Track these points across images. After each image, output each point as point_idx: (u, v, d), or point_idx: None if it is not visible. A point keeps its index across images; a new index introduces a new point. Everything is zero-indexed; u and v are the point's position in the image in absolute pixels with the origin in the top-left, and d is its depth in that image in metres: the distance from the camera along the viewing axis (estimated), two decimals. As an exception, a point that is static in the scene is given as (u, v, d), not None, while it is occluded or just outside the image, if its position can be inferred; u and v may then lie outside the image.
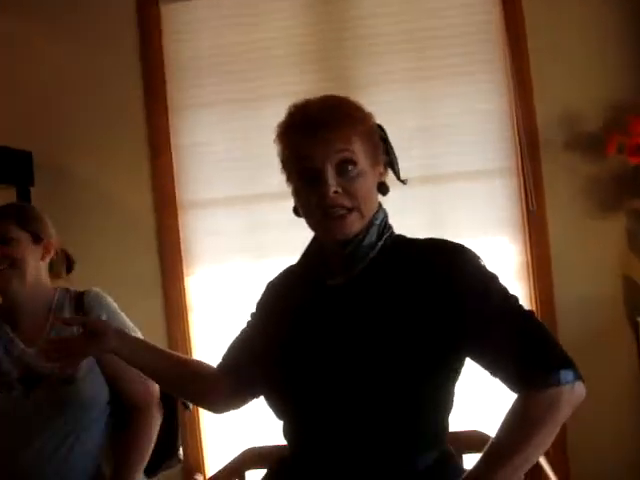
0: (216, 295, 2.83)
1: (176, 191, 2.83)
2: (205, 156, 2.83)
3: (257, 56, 2.79)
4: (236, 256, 2.80)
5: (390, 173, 1.40)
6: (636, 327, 2.67)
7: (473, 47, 2.71)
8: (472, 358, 1.28)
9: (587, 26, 2.69)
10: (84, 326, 1.44)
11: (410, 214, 2.67)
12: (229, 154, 2.81)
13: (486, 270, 1.31)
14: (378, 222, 1.35)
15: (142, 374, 1.53)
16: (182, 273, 2.83)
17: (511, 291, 1.30)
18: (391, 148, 1.40)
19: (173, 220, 2.83)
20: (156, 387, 1.82)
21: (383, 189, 1.38)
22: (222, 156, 2.80)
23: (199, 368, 1.54)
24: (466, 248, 1.33)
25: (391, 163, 1.41)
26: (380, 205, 1.38)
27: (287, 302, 1.44)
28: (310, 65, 2.75)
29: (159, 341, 2.72)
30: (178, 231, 2.83)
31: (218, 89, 2.81)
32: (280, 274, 1.54)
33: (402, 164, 2.66)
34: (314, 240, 1.42)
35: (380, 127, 1.40)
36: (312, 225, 1.36)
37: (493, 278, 1.30)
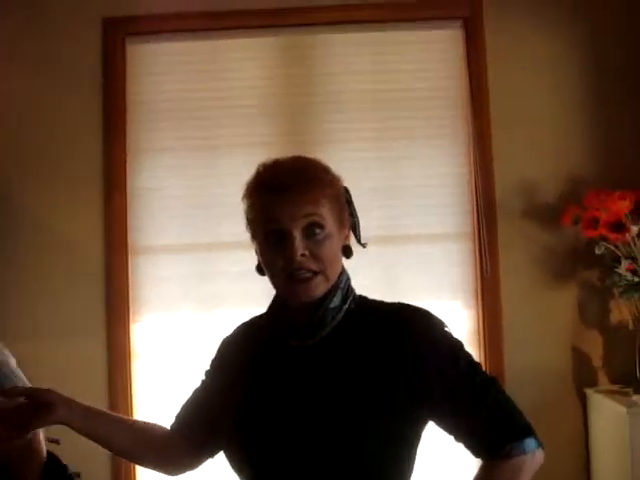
0: (162, 343, 2.75)
1: (128, 234, 2.76)
2: (160, 201, 2.77)
3: (219, 104, 2.76)
4: (185, 305, 2.74)
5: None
6: (584, 399, 2.67)
7: (437, 111, 2.73)
8: (436, 423, 1.30)
9: (549, 98, 2.74)
10: (27, 396, 1.32)
11: (365, 273, 2.62)
12: (183, 201, 2.76)
13: (451, 336, 1.33)
14: (342, 285, 1.36)
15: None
16: (128, 319, 2.74)
17: (475, 358, 1.33)
18: (354, 210, 1.40)
19: (123, 264, 2.75)
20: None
21: (348, 252, 1.38)
22: (176, 202, 2.76)
23: (153, 431, 1.48)
24: (431, 313, 1.35)
25: (354, 225, 1.41)
26: (343, 267, 1.38)
27: (247, 360, 1.42)
28: (271, 118, 2.74)
29: (99, 386, 2.69)
30: (127, 275, 2.75)
31: (177, 134, 2.77)
32: (236, 330, 1.51)
33: (361, 223, 2.68)
34: (277, 297, 1.41)
35: (346, 190, 1.40)
36: (276, 286, 1.35)
37: (458, 344, 1.33)
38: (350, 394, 1.26)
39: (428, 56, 2.76)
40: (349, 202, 1.40)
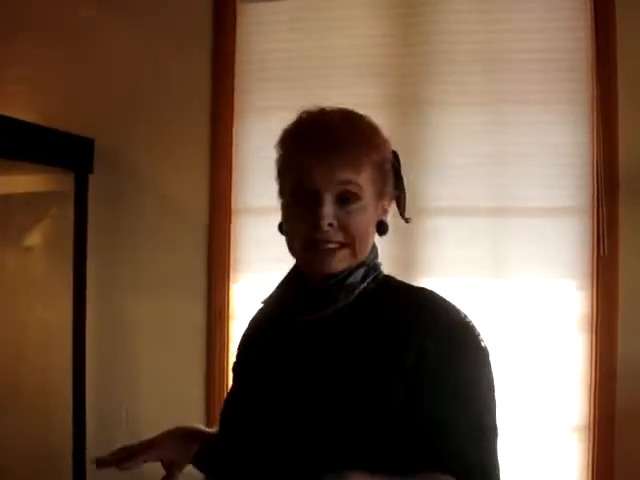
0: (259, 302, 2.73)
1: (232, 195, 2.76)
2: (265, 162, 2.73)
3: (327, 64, 2.67)
4: (284, 266, 2.70)
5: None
6: None
7: (556, 74, 2.48)
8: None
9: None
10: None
11: (470, 245, 2.51)
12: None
13: (479, 354, 1.14)
14: (368, 262, 1.23)
15: None
16: (229, 280, 2.75)
17: (495, 395, 1.14)
18: (402, 182, 1.27)
19: (226, 225, 2.75)
20: None
21: (382, 229, 1.25)
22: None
23: None
24: (463, 319, 1.16)
25: (399, 198, 1.28)
26: (374, 244, 1.26)
27: (255, 340, 1.36)
28: (380, 78, 2.61)
29: (197, 346, 2.72)
30: (230, 237, 2.75)
31: (285, 94, 2.70)
32: (250, 319, 1.43)
33: (466, 191, 2.53)
34: (294, 268, 1.31)
35: (395, 156, 1.26)
36: (294, 251, 1.24)
37: (483, 365, 1.14)
38: (338, 377, 1.13)
39: (547, 14, 2.51)
40: (396, 172, 1.26)
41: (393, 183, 1.25)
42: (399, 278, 1.31)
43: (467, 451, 1.08)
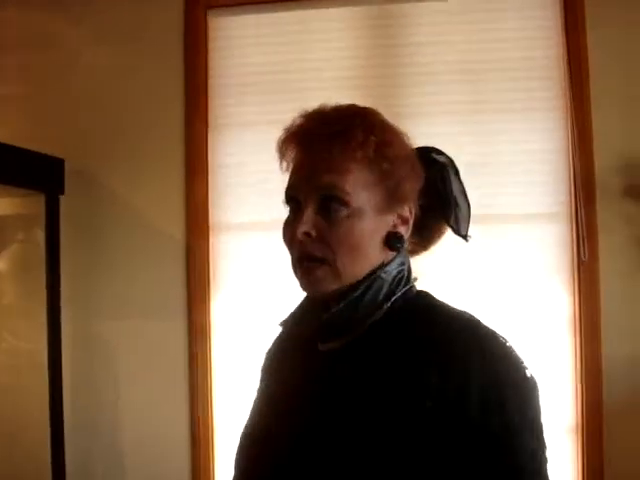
0: (239, 320, 2.69)
1: (210, 212, 2.71)
2: (242, 178, 2.70)
3: (303, 77, 2.66)
4: (265, 283, 2.66)
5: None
6: (688, 393, 2.48)
7: (532, 83, 2.54)
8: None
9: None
10: None
11: (450, 254, 2.52)
12: (267, 176, 2.67)
13: (525, 384, 0.99)
14: (387, 276, 1.05)
15: None
16: (209, 298, 2.70)
17: (544, 441, 0.98)
18: (450, 191, 1.13)
19: (204, 242, 2.70)
20: None
21: (393, 241, 1.06)
22: (259, 178, 2.66)
23: None
24: (509, 351, 1.00)
25: (446, 210, 1.11)
26: (398, 254, 1.08)
27: (280, 364, 1.22)
28: (358, 90, 2.61)
29: (179, 365, 2.66)
30: (208, 254, 2.71)
31: (260, 109, 2.68)
32: (276, 337, 1.29)
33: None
34: None
35: (432, 156, 1.14)
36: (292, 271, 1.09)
37: (532, 409, 0.98)
38: (355, 415, 0.99)
39: (522, 23, 2.57)
40: (433, 178, 1.11)
41: (429, 191, 1.11)
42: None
43: None
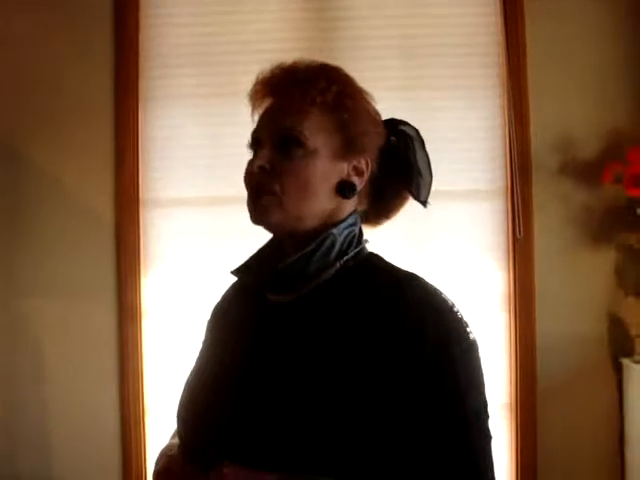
0: (172, 300, 2.61)
1: (140, 187, 2.61)
2: (175, 151, 2.61)
3: (235, 49, 2.57)
4: (199, 262, 2.59)
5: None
6: (619, 368, 2.51)
7: (468, 59, 2.52)
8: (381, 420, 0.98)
9: (592, 47, 2.52)
10: None
11: (387, 228, 2.49)
12: (200, 151, 2.59)
13: (466, 337, 1.03)
14: (340, 233, 1.10)
15: None
16: (139, 276, 2.60)
17: (486, 400, 1.03)
18: (413, 156, 1.17)
19: (134, 218, 2.60)
20: None
21: (344, 189, 1.10)
22: (192, 153, 2.58)
23: None
24: (456, 311, 1.05)
25: (408, 177, 1.16)
26: (352, 213, 1.13)
27: (225, 321, 1.23)
28: (292, 64, 2.56)
29: (109, 349, 2.57)
30: (138, 230, 2.61)
31: (193, 82, 2.60)
32: (225, 291, 1.31)
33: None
34: (272, 238, 1.19)
35: (397, 130, 1.17)
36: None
37: (471, 348, 1.03)
38: (315, 368, 1.01)
39: (461, 1, 2.55)
40: (397, 145, 1.16)
41: (401, 156, 1.16)
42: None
43: (464, 457, 0.99)
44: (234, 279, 1.25)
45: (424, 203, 1.20)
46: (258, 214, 1.08)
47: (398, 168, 1.18)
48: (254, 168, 1.07)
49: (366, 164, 1.13)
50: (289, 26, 2.58)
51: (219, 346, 1.19)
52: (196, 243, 2.60)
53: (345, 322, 1.04)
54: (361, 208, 1.18)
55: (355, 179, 1.12)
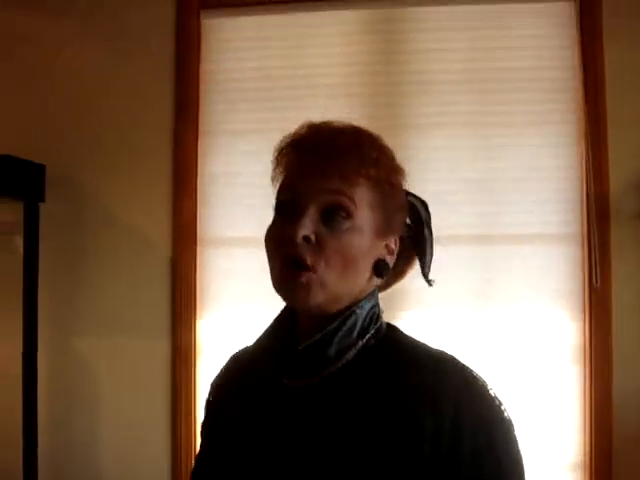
0: (227, 339, 2.53)
1: (198, 225, 2.55)
2: (233, 189, 2.54)
3: (298, 84, 2.50)
4: (256, 302, 2.50)
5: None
6: None
7: (542, 95, 2.38)
8: None
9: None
10: None
11: (455, 276, 2.37)
12: (259, 190, 2.51)
13: (502, 417, 0.96)
14: (362, 312, 1.02)
15: None
16: (195, 315, 2.54)
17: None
18: (429, 234, 1.09)
19: (191, 257, 2.54)
20: None
21: (381, 268, 1.03)
22: (251, 191, 2.50)
23: None
24: (491, 392, 0.98)
25: (422, 250, 1.08)
26: (374, 291, 1.05)
27: (236, 399, 1.11)
28: (355, 99, 2.46)
29: (162, 388, 2.50)
30: (195, 269, 2.55)
31: (254, 116, 2.53)
32: (223, 370, 1.22)
33: (451, 219, 2.39)
34: (281, 316, 1.11)
35: (419, 202, 1.09)
36: (271, 278, 1.01)
37: (516, 449, 0.96)
38: (345, 456, 0.94)
39: (534, 32, 2.42)
40: (421, 220, 1.08)
41: (412, 231, 1.09)
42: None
43: None
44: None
45: (430, 282, 1.10)
46: (298, 295, 0.98)
47: (410, 242, 1.11)
48: (298, 237, 0.95)
49: (395, 242, 1.06)
50: (351, 60, 2.49)
51: (229, 436, 1.09)
52: (253, 283, 2.51)
53: (374, 408, 0.96)
54: (377, 283, 1.08)
55: (388, 258, 1.05)
